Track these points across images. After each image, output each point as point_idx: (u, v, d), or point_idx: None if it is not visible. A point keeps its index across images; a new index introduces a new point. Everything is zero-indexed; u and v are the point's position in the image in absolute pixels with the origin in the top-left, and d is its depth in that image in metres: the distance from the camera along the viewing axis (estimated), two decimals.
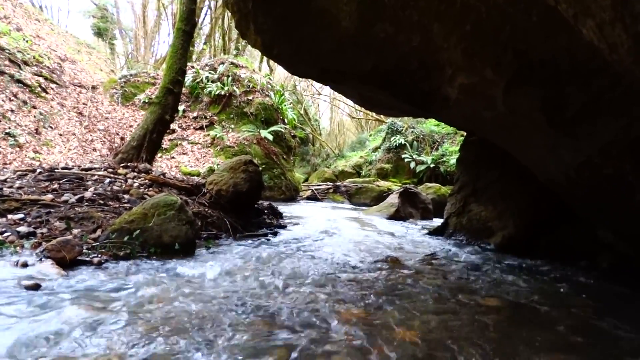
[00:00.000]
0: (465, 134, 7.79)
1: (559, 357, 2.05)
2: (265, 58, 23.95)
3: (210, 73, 14.91)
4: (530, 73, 3.19)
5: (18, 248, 3.18)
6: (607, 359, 2.12)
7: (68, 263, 3.01)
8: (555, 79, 3.08)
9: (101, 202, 4.51)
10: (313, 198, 14.77)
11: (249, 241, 4.90)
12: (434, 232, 6.75)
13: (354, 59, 4.38)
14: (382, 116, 23.16)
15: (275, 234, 5.57)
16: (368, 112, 24.74)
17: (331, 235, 5.89)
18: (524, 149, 4.38)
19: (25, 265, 2.84)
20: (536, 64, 3.10)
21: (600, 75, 2.84)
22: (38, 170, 5.25)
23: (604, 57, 2.27)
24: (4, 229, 3.42)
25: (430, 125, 19.15)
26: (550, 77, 3.10)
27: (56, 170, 5.31)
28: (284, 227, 6.35)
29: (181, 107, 13.81)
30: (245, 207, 5.86)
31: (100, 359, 1.73)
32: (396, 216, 9.29)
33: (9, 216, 3.73)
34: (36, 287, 2.52)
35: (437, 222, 8.02)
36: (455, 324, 2.47)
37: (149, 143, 7.58)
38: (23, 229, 3.51)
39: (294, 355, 1.93)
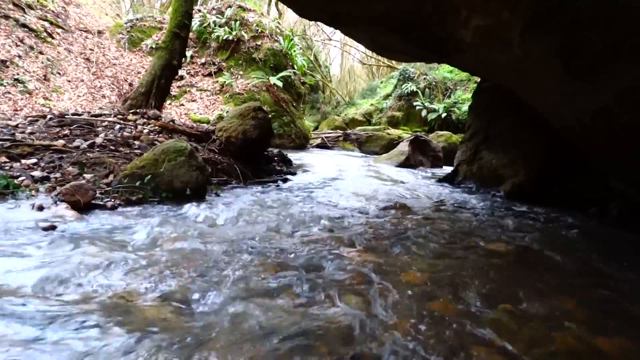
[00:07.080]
0: (478, 80, 7.60)
1: (561, 298, 2.09)
2: (273, 0, 23.15)
3: (217, 17, 14.46)
4: (549, 15, 3.04)
5: (33, 192, 3.26)
6: (609, 300, 2.16)
7: (82, 206, 3.08)
8: (575, 22, 2.94)
9: (112, 147, 4.55)
10: (323, 146, 14.73)
11: (259, 187, 4.95)
12: (444, 180, 6.75)
13: (366, 2, 4.21)
14: (393, 62, 22.57)
15: (284, 180, 5.61)
16: (380, 58, 24.10)
17: (340, 182, 5.92)
18: (538, 95, 4.27)
19: (41, 208, 2.92)
20: (555, 5, 2.96)
21: (622, 19, 2.71)
22: (49, 117, 5.27)
23: None
24: (18, 174, 3.48)
25: (443, 71, 18.61)
26: (570, 20, 2.96)
27: (66, 117, 5.33)
28: (293, 174, 6.39)
29: (189, 53, 13.53)
30: (254, 154, 5.87)
31: (116, 295, 1.81)
32: (406, 164, 9.27)
33: (23, 161, 3.80)
34: (52, 228, 2.61)
35: (447, 170, 8.00)
36: (461, 267, 2.52)
37: (158, 89, 7.51)
38: (37, 173, 3.57)
39: (301, 295, 1.98)
